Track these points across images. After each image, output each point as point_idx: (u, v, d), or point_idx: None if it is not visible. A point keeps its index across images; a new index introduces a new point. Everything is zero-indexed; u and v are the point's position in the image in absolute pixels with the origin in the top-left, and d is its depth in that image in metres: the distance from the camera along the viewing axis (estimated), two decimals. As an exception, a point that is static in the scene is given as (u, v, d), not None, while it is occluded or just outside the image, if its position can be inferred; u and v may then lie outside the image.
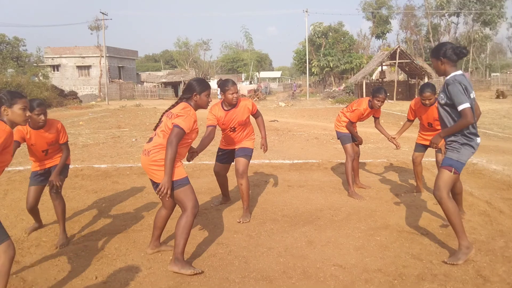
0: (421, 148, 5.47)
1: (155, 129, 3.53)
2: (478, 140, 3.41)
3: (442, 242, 3.90)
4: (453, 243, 3.86)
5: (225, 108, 4.58)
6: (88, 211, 5.11)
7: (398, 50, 29.11)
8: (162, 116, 3.56)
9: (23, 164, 7.93)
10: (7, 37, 35.27)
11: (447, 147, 3.52)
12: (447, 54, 3.37)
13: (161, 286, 3.17)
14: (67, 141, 4.24)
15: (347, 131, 5.77)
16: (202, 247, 3.91)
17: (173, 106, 3.53)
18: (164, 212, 3.73)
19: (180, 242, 3.31)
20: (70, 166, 4.45)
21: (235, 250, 3.83)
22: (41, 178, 4.19)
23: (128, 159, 8.49)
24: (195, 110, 3.49)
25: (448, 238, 3.99)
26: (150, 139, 3.46)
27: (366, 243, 3.95)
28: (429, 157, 5.91)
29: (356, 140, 5.81)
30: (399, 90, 29.99)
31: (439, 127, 5.08)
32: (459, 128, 3.33)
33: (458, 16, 48.16)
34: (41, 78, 33.12)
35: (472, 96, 3.33)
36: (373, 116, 5.81)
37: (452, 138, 3.44)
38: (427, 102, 5.01)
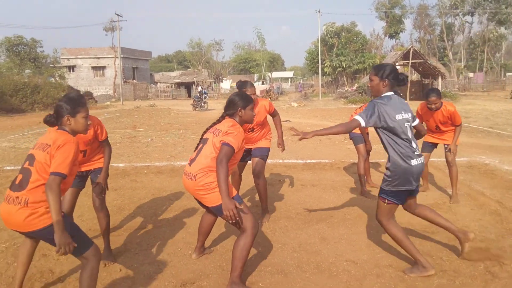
0: (428, 147, 5.54)
1: (196, 150, 3.30)
2: (413, 162, 3.20)
3: (453, 239, 3.99)
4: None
5: None
6: (110, 208, 5.26)
7: (411, 50, 28.95)
8: (203, 134, 3.37)
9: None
10: (24, 39, 35.99)
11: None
12: (393, 77, 3.28)
13: (182, 278, 3.35)
14: (107, 137, 3.81)
15: (358, 132, 5.88)
16: (219, 243, 4.08)
17: (217, 121, 3.35)
18: (209, 217, 3.62)
19: (238, 265, 3.03)
20: None
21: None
22: (77, 180, 3.77)
23: (145, 159, 8.72)
24: (241, 125, 3.32)
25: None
26: (192, 161, 3.22)
27: (378, 240, 4.08)
28: (441, 157, 5.98)
29: (366, 144, 5.93)
30: (412, 90, 29.82)
31: (446, 129, 5.25)
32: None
33: (472, 15, 47.59)
34: (57, 78, 33.77)
35: (398, 118, 3.18)
36: None
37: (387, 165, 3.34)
38: (432, 106, 5.07)
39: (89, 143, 3.69)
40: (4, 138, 12.75)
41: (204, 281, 3.31)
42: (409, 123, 3.26)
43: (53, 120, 2.75)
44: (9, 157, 9.08)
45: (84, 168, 3.79)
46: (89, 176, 3.85)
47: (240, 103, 3.31)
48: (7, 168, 7.86)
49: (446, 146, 5.33)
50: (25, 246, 2.96)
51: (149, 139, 11.87)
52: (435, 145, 5.55)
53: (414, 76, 38.56)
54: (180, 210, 5.17)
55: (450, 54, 48.47)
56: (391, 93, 3.28)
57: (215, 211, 3.16)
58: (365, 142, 5.92)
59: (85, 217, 4.95)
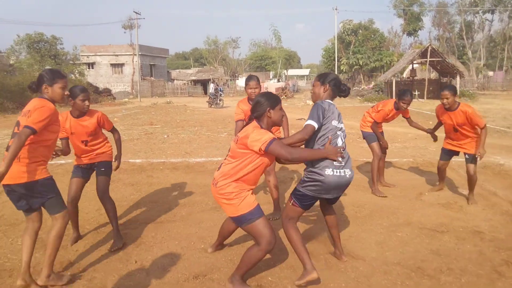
0: (446, 156, 5.47)
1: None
2: (327, 172, 3.08)
3: (461, 239, 4.04)
4: (471, 240, 4.01)
5: (250, 102, 4.73)
6: (126, 202, 5.50)
7: (430, 48, 28.57)
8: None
9: (65, 158, 8.47)
10: (45, 36, 36.65)
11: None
12: (334, 85, 3.33)
13: (194, 270, 3.48)
14: (113, 126, 4.28)
15: (371, 130, 5.92)
16: (232, 237, 4.18)
17: (246, 124, 3.25)
18: (230, 224, 3.67)
19: (243, 267, 3.14)
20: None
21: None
22: (84, 171, 4.14)
23: (161, 155, 8.91)
24: (270, 127, 3.19)
25: (468, 235, 4.13)
26: (220, 166, 3.23)
27: (387, 238, 4.13)
28: (456, 158, 5.96)
29: (380, 142, 5.91)
30: (430, 88, 29.44)
31: (465, 132, 5.05)
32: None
33: (493, 13, 46.62)
34: (77, 75, 34.36)
35: (335, 124, 3.20)
36: (403, 116, 5.96)
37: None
38: (444, 101, 5.03)
39: (91, 134, 4.04)
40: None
41: (216, 274, 3.43)
42: (341, 132, 3.25)
43: (34, 87, 3.22)
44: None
45: (90, 161, 4.13)
46: (94, 170, 4.20)
47: (267, 103, 3.10)
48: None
49: (467, 156, 5.15)
50: (27, 231, 3.20)
51: (165, 136, 12.07)
52: (454, 153, 5.38)
53: (433, 75, 38.04)
54: (194, 205, 5.31)
55: (469, 53, 47.61)
56: (330, 101, 3.30)
57: (234, 221, 3.22)
58: (379, 141, 5.94)
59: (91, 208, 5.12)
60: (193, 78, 46.46)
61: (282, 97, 33.67)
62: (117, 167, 4.36)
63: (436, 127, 5.76)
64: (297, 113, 18.99)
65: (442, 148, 5.54)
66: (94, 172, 4.20)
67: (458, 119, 5.05)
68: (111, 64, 45.80)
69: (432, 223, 4.52)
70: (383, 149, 6.04)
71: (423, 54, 29.26)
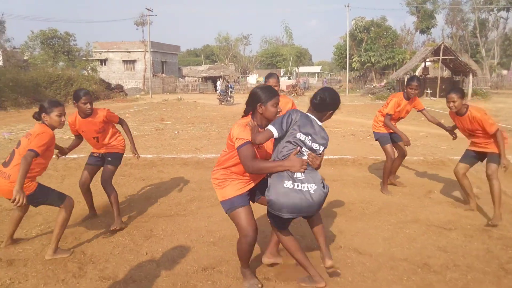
0: (468, 159, 4.81)
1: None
2: (285, 185, 2.76)
3: (469, 236, 4.05)
4: (479, 238, 4.02)
5: None
6: (137, 197, 5.60)
7: (442, 46, 28.30)
8: None
9: (77, 153, 8.62)
10: (59, 32, 37.07)
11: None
12: (313, 99, 2.96)
13: (203, 263, 3.55)
14: (119, 118, 4.65)
15: (384, 131, 5.69)
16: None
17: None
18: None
19: (240, 259, 3.19)
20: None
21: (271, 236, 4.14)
22: (97, 159, 4.61)
23: (171, 151, 9.01)
24: (262, 123, 2.97)
25: (476, 233, 4.14)
26: None
27: (395, 234, 4.16)
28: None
29: (401, 140, 5.59)
30: (443, 87, 29.15)
31: (481, 135, 4.54)
32: None
33: (508, 10, 45.83)
34: (89, 71, 34.72)
35: (300, 138, 2.82)
36: (417, 110, 5.70)
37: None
38: (451, 104, 4.53)
39: (99, 131, 4.45)
40: (39, 128, 13.33)
41: (224, 266, 3.50)
42: (307, 151, 2.85)
43: (36, 116, 3.67)
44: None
45: (102, 151, 4.57)
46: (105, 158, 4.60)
47: (259, 97, 2.92)
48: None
49: (488, 155, 4.58)
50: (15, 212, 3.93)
51: (176, 132, 12.18)
52: (478, 157, 4.75)
53: (445, 73, 37.65)
54: (203, 200, 5.38)
55: (483, 51, 46.93)
56: (311, 115, 2.95)
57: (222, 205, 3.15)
58: (394, 141, 5.74)
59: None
60: (204, 75, 46.60)
61: (293, 94, 33.64)
62: (138, 156, 4.78)
63: (454, 126, 5.19)
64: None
65: (466, 150, 4.91)
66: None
67: (468, 125, 4.59)
68: (123, 61, 46.16)
69: (440, 220, 4.52)
70: (404, 147, 5.75)
71: (435, 52, 29.00)
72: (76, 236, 4.20)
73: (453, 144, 5.52)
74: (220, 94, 25.68)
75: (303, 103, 24.72)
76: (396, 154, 5.83)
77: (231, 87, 26.01)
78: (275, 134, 2.80)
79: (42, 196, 3.63)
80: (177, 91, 42.97)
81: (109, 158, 4.55)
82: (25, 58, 36.55)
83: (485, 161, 4.68)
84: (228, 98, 25.06)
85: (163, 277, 3.34)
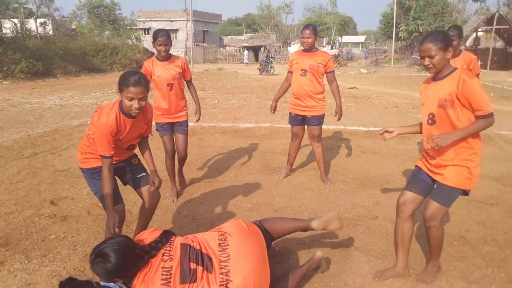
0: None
1: None
2: None
3: (510, 212, 3.95)
4: (522, 214, 3.91)
5: (302, 52, 4.75)
6: (179, 162, 5.82)
7: (497, 15, 26.45)
8: None
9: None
10: (104, 1, 37.92)
11: None
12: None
13: (240, 226, 3.70)
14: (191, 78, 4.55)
15: None
16: (276, 199, 4.37)
17: None
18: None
19: None
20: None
21: (306, 204, 4.23)
22: (168, 127, 4.41)
23: (211, 119, 9.19)
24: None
25: (519, 209, 4.02)
26: None
27: (433, 208, 4.11)
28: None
29: None
30: (495, 59, 27.48)
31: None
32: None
33: None
34: (134, 40, 35.44)
35: None
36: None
37: None
38: (427, 62, 3.83)
39: (175, 78, 4.29)
40: (87, 95, 13.94)
41: (260, 230, 3.62)
42: None
43: None
44: (92, 113, 10.01)
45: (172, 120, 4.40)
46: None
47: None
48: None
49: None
50: None
51: (216, 101, 12.34)
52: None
53: (498, 44, 35.34)
54: (241, 168, 5.52)
55: (545, 19, 43.45)
56: None
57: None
58: None
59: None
60: (245, 44, 46.34)
61: (335, 65, 32.89)
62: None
63: None
64: (350, 82, 18.56)
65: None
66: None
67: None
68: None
69: (482, 195, 4.41)
70: None
71: (489, 21, 27.20)
72: (123, 197, 4.45)
73: (500, 117, 5.29)
74: (261, 64, 25.54)
75: (344, 74, 24.21)
76: None
77: (272, 57, 25.77)
78: None
79: None
80: (218, 60, 43.12)
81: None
82: (73, 27, 37.78)
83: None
84: (269, 69, 24.89)
85: (202, 237, 3.52)
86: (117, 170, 3.03)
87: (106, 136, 2.67)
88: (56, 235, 3.55)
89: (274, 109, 5.00)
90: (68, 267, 3.02)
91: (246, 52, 30.77)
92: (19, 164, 5.63)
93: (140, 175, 3.14)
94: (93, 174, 2.96)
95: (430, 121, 2.67)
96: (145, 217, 3.26)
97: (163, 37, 4.03)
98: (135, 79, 2.60)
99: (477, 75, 4.56)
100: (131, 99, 2.61)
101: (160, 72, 4.19)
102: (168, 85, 4.22)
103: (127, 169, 3.14)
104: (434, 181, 2.72)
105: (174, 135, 4.49)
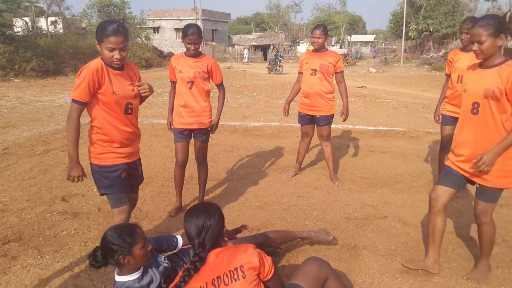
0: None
1: None
2: None
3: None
4: (534, 215, 3.87)
5: (313, 52, 4.78)
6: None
7: (509, 14, 26.11)
8: None
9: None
10: (114, 0, 38.12)
11: None
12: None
13: (250, 224, 3.69)
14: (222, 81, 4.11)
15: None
16: (285, 198, 4.38)
17: None
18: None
19: None
20: None
21: (314, 203, 4.24)
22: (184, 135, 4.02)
23: (220, 118, 9.18)
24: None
25: (530, 210, 3.98)
26: None
27: (442, 208, 4.09)
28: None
29: None
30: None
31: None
32: None
33: None
34: (143, 39, 35.64)
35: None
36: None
37: None
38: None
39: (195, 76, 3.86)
40: (97, 93, 14.04)
41: (269, 228, 3.63)
42: None
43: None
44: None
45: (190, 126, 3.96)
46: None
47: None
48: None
49: None
50: None
51: (225, 100, 12.36)
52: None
53: (510, 43, 34.87)
54: (250, 166, 5.54)
55: (559, 18, 42.83)
56: None
57: None
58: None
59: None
60: (254, 43, 46.33)
61: (344, 64, 32.75)
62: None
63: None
64: (359, 81, 18.48)
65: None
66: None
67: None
68: (175, 29, 46.79)
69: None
70: None
71: (502, 20, 26.85)
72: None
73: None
74: (269, 63, 25.52)
75: (353, 73, 24.09)
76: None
77: (280, 56, 25.75)
78: None
79: None
80: (227, 59, 43.16)
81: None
82: (83, 25, 38.03)
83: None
84: (277, 67, 24.87)
85: (211, 235, 3.54)
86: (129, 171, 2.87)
87: (85, 79, 2.51)
88: (68, 231, 3.60)
89: (287, 111, 5.03)
90: (80, 263, 3.06)
91: (246, 50, 30.84)
92: (31, 161, 5.70)
93: (135, 183, 3.04)
94: (105, 173, 2.72)
95: (474, 111, 2.60)
96: None
97: (193, 35, 3.67)
98: (113, 28, 2.49)
99: None
100: (112, 49, 2.51)
101: (182, 67, 3.84)
102: (188, 82, 3.83)
103: (133, 174, 2.96)
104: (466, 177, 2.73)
105: (194, 142, 4.12)
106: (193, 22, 44.48)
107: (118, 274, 2.18)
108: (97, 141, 2.70)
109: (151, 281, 2.23)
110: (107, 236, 2.11)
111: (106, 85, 2.58)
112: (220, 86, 4.11)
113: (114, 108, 2.65)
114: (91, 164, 2.78)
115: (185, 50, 3.85)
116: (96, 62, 2.58)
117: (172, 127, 4.07)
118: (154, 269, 2.27)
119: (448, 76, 4.30)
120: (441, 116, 4.44)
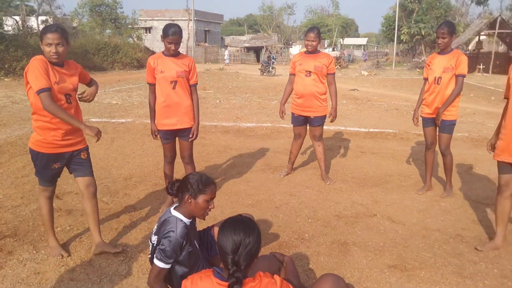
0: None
1: None
2: None
3: None
4: (517, 214, 3.99)
5: (305, 53, 4.86)
6: (180, 161, 5.89)
7: (499, 19, 26.54)
8: None
9: (124, 117, 9.09)
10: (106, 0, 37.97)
11: None
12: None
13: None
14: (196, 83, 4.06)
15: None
16: (277, 197, 4.46)
17: None
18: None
19: None
20: None
21: (306, 202, 4.33)
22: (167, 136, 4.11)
23: (213, 119, 9.28)
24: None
25: (514, 210, 4.10)
26: None
27: (430, 207, 4.21)
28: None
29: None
30: (497, 62, 27.52)
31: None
32: None
33: None
34: (135, 39, 35.53)
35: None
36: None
37: None
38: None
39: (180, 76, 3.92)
40: (89, 93, 14.01)
41: (261, 226, 3.70)
42: None
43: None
44: (93, 111, 10.11)
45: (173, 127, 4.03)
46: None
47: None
48: (92, 120, 8.83)
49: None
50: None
51: (218, 101, 12.43)
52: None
53: (501, 48, 35.42)
54: (243, 166, 5.61)
55: (546, 24, 43.54)
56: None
57: None
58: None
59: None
60: (246, 45, 46.44)
61: (336, 67, 32.97)
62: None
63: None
64: (351, 84, 18.65)
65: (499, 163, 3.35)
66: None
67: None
68: (168, 29, 46.68)
69: (478, 196, 4.51)
70: None
71: (491, 25, 27.28)
72: (126, 192, 4.56)
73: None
74: (262, 64, 25.63)
75: (345, 76, 24.30)
76: None
77: (273, 58, 25.87)
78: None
79: None
80: (219, 60, 43.19)
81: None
82: (75, 25, 37.81)
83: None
84: (270, 69, 24.98)
85: (204, 232, 3.61)
86: (68, 160, 3.18)
87: (37, 68, 2.82)
88: (62, 227, 3.64)
89: (283, 113, 5.09)
90: (75, 258, 3.11)
91: (226, 51, 31.08)
92: (23, 160, 5.72)
93: (83, 167, 3.21)
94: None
95: None
96: (90, 208, 3.23)
97: (175, 35, 3.72)
98: (51, 27, 2.95)
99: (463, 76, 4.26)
100: (49, 45, 2.86)
101: (163, 67, 3.83)
102: (171, 82, 3.83)
103: (74, 160, 3.20)
104: None
105: (178, 141, 4.18)
106: (186, 22, 44.48)
107: (175, 209, 2.45)
108: (39, 131, 3.11)
109: (192, 241, 2.45)
110: (189, 176, 2.47)
111: (49, 76, 2.89)
112: (194, 87, 4.07)
113: (57, 92, 2.94)
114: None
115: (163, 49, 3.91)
116: (39, 57, 2.93)
117: (156, 135, 4.11)
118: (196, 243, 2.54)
119: (426, 80, 4.44)
120: (420, 119, 4.59)
